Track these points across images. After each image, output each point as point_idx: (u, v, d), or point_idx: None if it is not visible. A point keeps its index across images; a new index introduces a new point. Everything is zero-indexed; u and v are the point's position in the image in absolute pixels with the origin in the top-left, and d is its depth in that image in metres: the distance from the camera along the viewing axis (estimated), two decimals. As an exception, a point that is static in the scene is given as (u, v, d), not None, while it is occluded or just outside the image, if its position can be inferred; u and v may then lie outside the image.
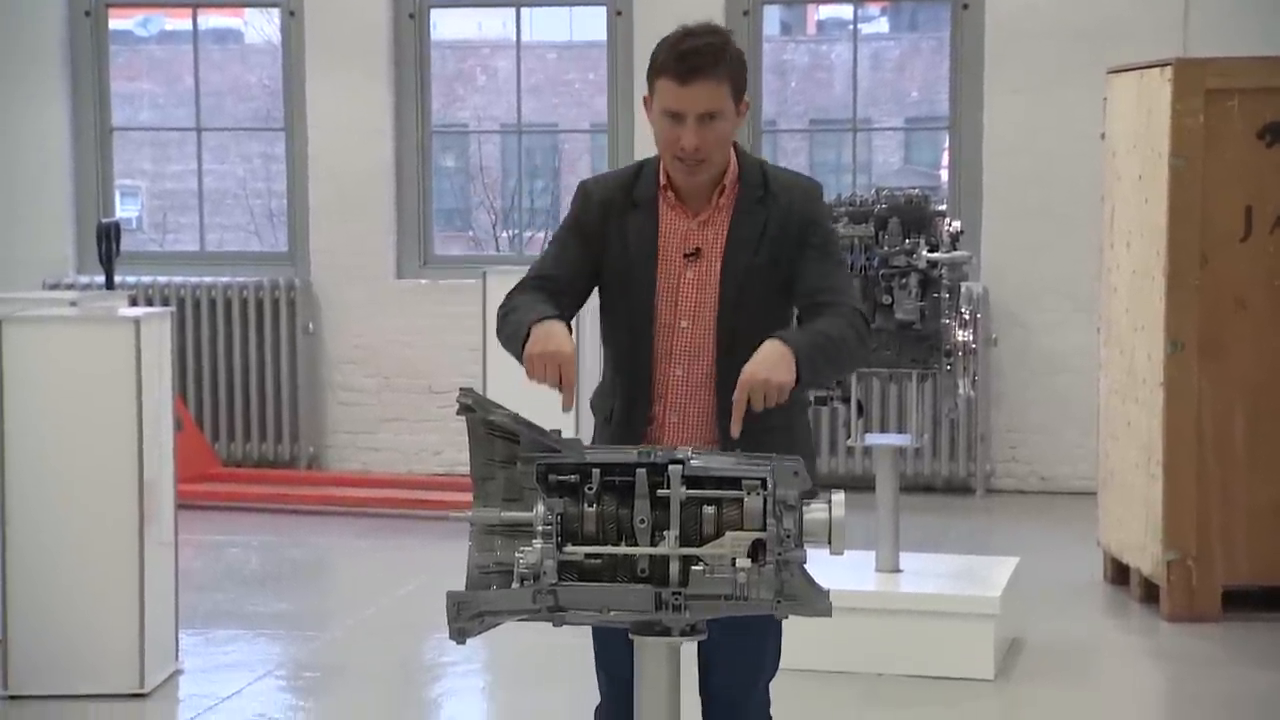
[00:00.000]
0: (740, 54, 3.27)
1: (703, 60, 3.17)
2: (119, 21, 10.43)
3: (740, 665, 3.35)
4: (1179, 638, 6.17)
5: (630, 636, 2.82)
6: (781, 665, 5.59)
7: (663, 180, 3.32)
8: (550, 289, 3.30)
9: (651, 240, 3.29)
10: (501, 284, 7.66)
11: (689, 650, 3.16)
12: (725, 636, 3.17)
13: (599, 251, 3.32)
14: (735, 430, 3.02)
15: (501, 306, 3.30)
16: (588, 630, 3.09)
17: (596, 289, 3.38)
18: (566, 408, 3.01)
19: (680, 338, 3.29)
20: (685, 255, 3.29)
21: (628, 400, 3.32)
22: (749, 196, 3.30)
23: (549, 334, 3.09)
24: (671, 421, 3.30)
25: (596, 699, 3.48)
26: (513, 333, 3.17)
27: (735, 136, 3.31)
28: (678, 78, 3.18)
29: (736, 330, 3.25)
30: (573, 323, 3.23)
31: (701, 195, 3.30)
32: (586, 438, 3.17)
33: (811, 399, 5.73)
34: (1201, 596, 6.29)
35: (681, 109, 3.19)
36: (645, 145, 8.58)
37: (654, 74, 3.24)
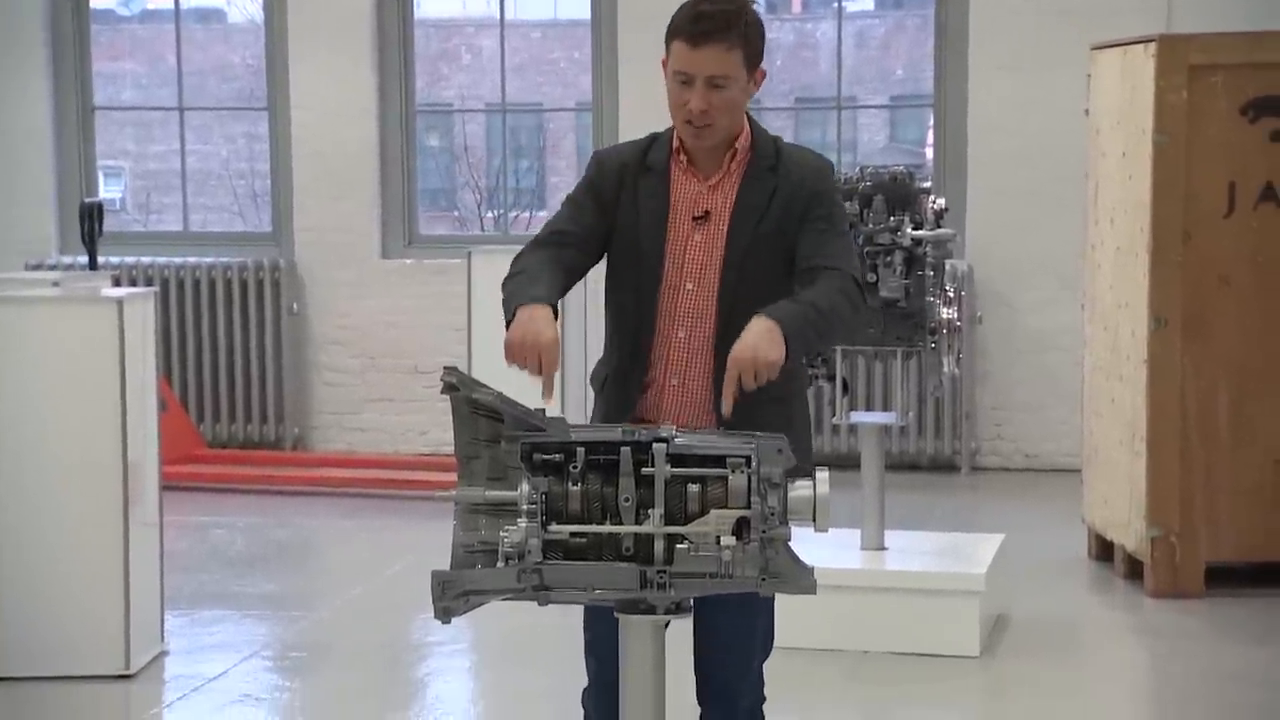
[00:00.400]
0: (758, 22, 3.27)
1: (715, 25, 3.19)
2: (101, 1, 10.37)
3: (733, 647, 3.35)
4: (1162, 614, 6.20)
5: (615, 615, 2.83)
6: (768, 643, 5.57)
7: (675, 144, 3.33)
8: (563, 243, 3.31)
9: (664, 202, 3.31)
10: (487, 263, 7.78)
11: (685, 631, 3.18)
12: (719, 618, 3.18)
13: (612, 214, 3.33)
14: (727, 409, 3.02)
15: (513, 264, 3.29)
16: (572, 610, 3.09)
17: (606, 258, 3.38)
18: (546, 395, 3.00)
19: (685, 299, 3.30)
20: (694, 218, 3.31)
21: (628, 361, 3.32)
22: (760, 165, 3.32)
23: (531, 319, 3.07)
24: (672, 384, 3.31)
25: (581, 678, 3.48)
26: (506, 301, 3.17)
27: (747, 105, 3.32)
28: (689, 40, 3.20)
29: (738, 294, 3.26)
30: (559, 304, 3.21)
31: (713, 159, 3.32)
32: (570, 418, 3.16)
33: (810, 375, 5.76)
34: (1185, 573, 6.31)
35: (691, 71, 3.20)
36: (630, 124, 8.57)
37: (670, 36, 3.26)
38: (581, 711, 3.49)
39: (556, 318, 3.10)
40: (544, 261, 3.26)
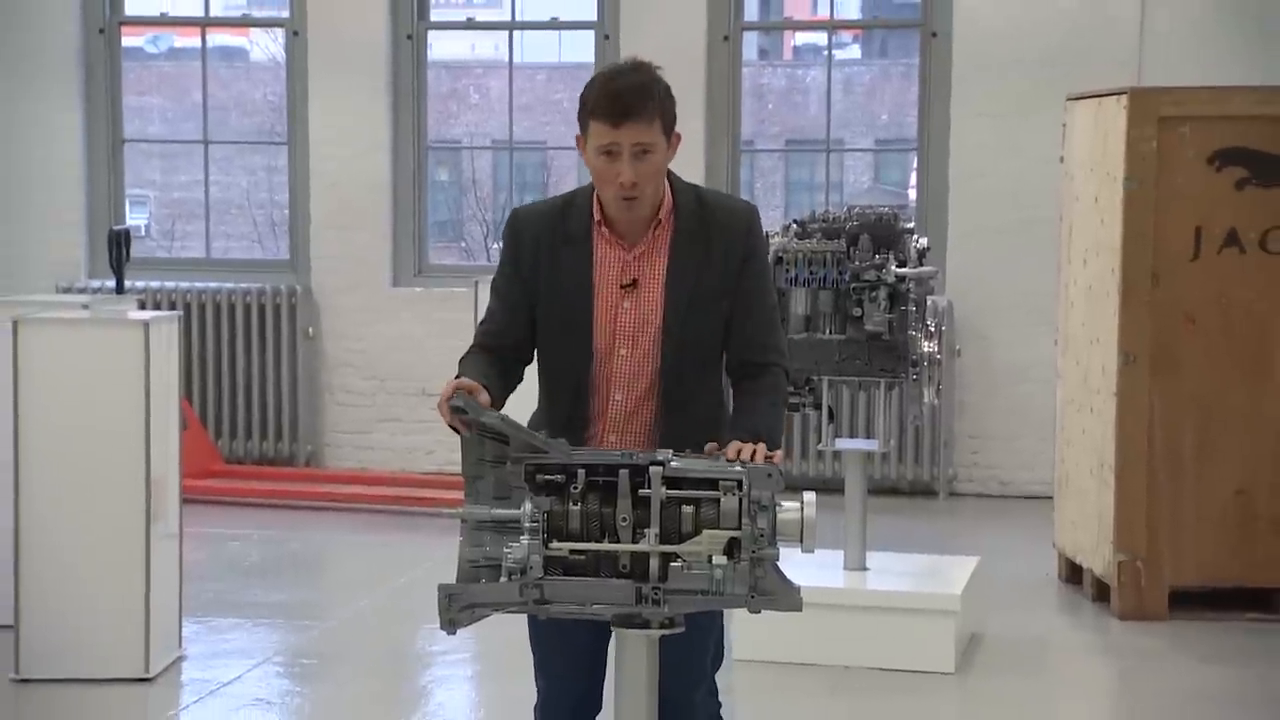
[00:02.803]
0: (667, 89, 3.15)
1: (631, 102, 3.07)
2: (131, 39, 10.42)
3: (684, 667, 3.29)
4: (1128, 635, 6.20)
5: (612, 628, 2.84)
6: (753, 657, 5.61)
7: (597, 215, 3.22)
8: (495, 349, 3.22)
9: (586, 274, 3.20)
10: (492, 293, 7.74)
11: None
12: (669, 638, 3.15)
13: (533, 286, 3.23)
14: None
15: (459, 366, 3.22)
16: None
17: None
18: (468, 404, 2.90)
19: (620, 364, 3.21)
20: (622, 286, 3.20)
21: (564, 420, 3.20)
22: (686, 227, 3.21)
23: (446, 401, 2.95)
24: (610, 440, 3.21)
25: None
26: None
27: (667, 169, 3.21)
28: (609, 120, 3.07)
29: (679, 356, 3.19)
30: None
31: (637, 229, 3.21)
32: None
33: (797, 403, 5.77)
34: (1150, 596, 6.32)
35: (616, 141, 3.09)
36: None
37: (585, 115, 3.12)
38: None
39: (495, 402, 2.99)
40: (480, 367, 3.14)
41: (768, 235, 5.81)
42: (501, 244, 3.34)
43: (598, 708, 3.38)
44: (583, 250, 3.21)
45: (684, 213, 3.23)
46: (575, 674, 3.33)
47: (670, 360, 3.19)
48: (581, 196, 3.27)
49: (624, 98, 3.08)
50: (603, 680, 3.36)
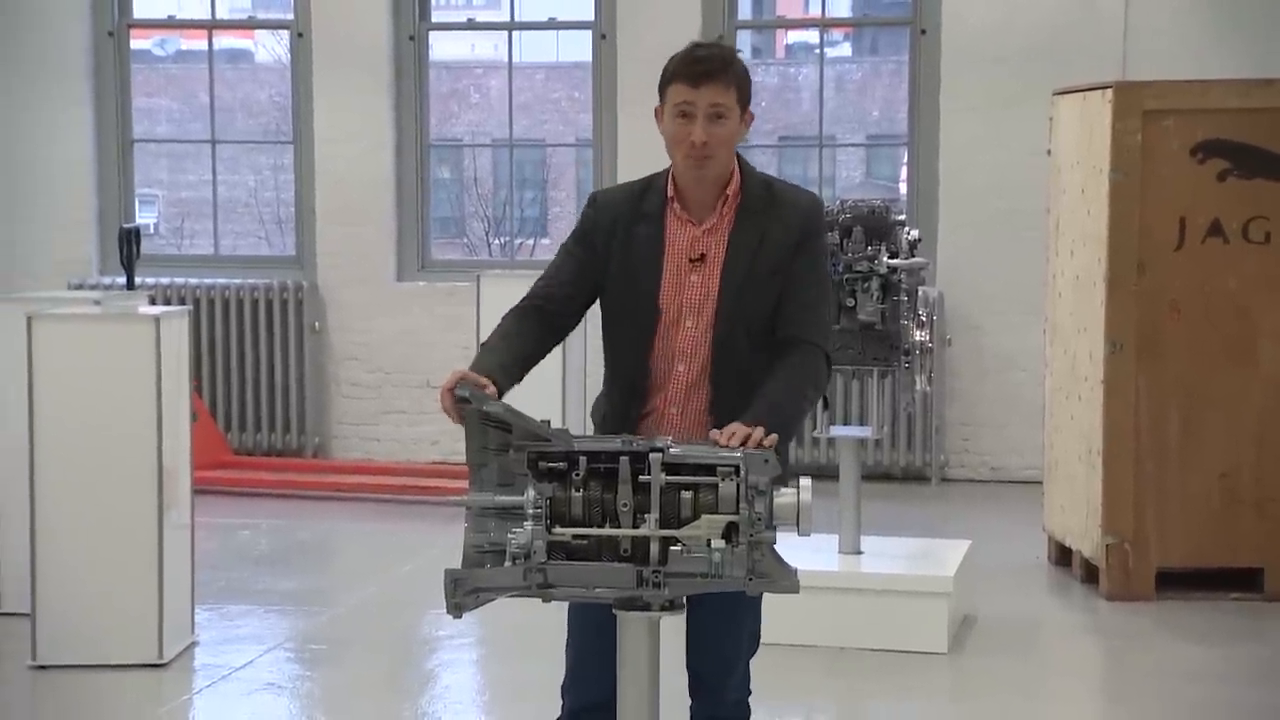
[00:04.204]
0: (746, 68, 3.28)
1: (713, 65, 3.20)
2: (139, 41, 10.40)
3: (721, 647, 3.33)
4: (1116, 615, 6.20)
5: (613, 611, 2.84)
6: (751, 639, 5.56)
7: (670, 192, 3.30)
8: (543, 309, 3.28)
9: (658, 247, 3.27)
10: (494, 286, 7.79)
11: (681, 632, 3.18)
12: (708, 621, 3.18)
13: (604, 261, 3.29)
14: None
15: (500, 321, 3.28)
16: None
17: (599, 300, 3.33)
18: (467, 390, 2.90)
19: (684, 335, 3.26)
20: (690, 260, 3.27)
21: (628, 393, 3.28)
22: (751, 206, 3.28)
23: (447, 392, 2.95)
24: (672, 413, 3.27)
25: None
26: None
27: (738, 144, 3.30)
28: (690, 80, 3.19)
29: (732, 331, 3.24)
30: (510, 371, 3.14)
31: (706, 205, 3.27)
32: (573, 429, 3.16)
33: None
34: (1137, 578, 6.32)
35: (692, 102, 3.18)
36: (628, 159, 8.60)
37: (666, 82, 3.23)
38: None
39: (499, 390, 2.99)
40: (512, 334, 3.20)
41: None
42: (579, 221, 3.39)
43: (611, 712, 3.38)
44: (655, 225, 3.29)
45: (750, 194, 3.30)
46: (596, 663, 3.33)
47: (723, 334, 3.24)
48: (659, 178, 3.35)
49: (705, 63, 3.21)
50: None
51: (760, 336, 3.24)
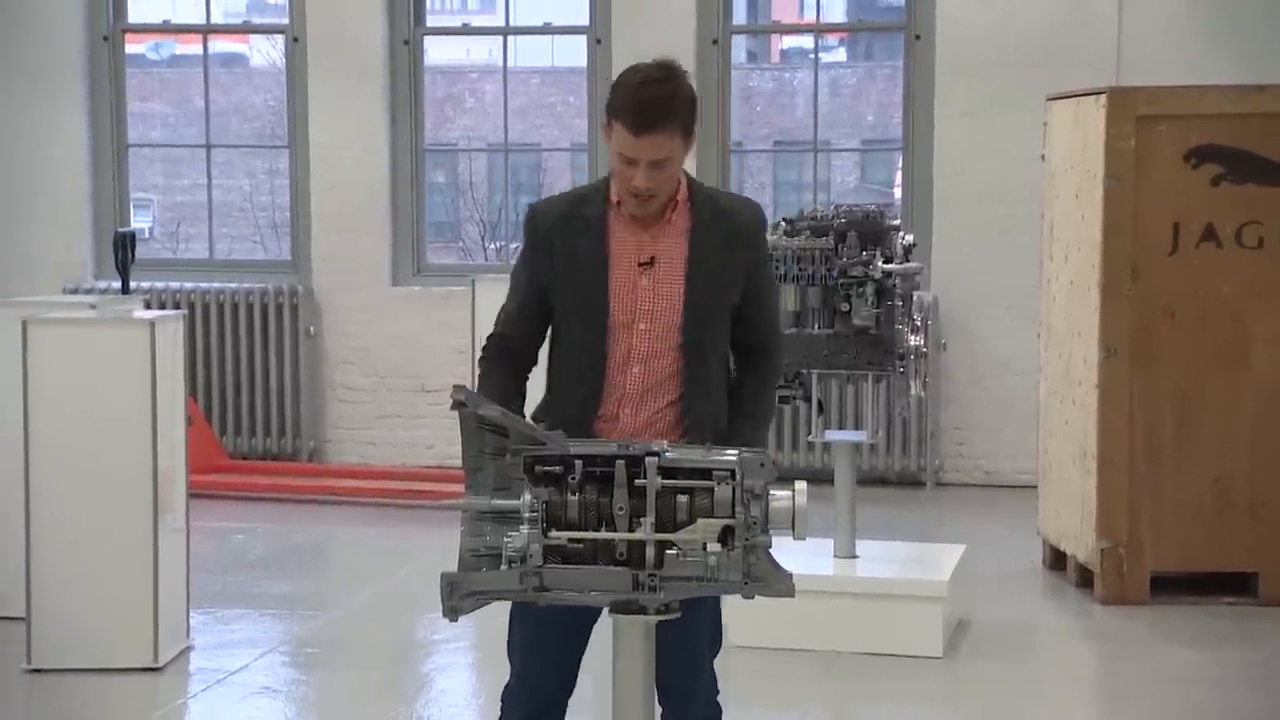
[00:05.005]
0: (692, 96, 3.20)
1: (656, 115, 3.12)
2: (134, 46, 10.40)
3: (684, 651, 3.30)
4: (1111, 619, 6.21)
5: (610, 615, 2.84)
6: (746, 643, 5.62)
7: (614, 198, 3.28)
8: (513, 351, 3.33)
9: (601, 251, 3.25)
10: (489, 290, 7.79)
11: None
12: (667, 626, 3.16)
13: (549, 271, 3.28)
14: None
15: (479, 360, 3.33)
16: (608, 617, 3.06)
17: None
18: None
19: (640, 338, 3.26)
20: (640, 263, 3.26)
21: (579, 398, 3.27)
22: (704, 216, 3.28)
23: None
24: (625, 415, 3.27)
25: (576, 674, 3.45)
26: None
27: (682, 165, 3.27)
28: (632, 129, 3.13)
29: (702, 334, 3.27)
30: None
31: (653, 213, 3.27)
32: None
33: (788, 396, 5.79)
34: (1131, 582, 6.33)
35: (635, 156, 3.15)
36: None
37: (611, 114, 3.18)
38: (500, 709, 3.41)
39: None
40: (494, 388, 3.22)
41: (758, 233, 5.83)
42: (523, 237, 3.38)
43: (563, 703, 3.38)
44: (598, 230, 3.27)
45: (700, 203, 3.31)
46: (549, 668, 3.33)
47: (692, 337, 3.26)
48: (596, 185, 3.35)
49: (647, 110, 3.13)
50: (574, 680, 3.37)
51: (721, 339, 3.30)
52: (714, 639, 3.43)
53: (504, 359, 3.33)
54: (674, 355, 3.26)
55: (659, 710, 3.33)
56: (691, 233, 3.28)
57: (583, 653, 3.36)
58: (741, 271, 3.29)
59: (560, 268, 3.28)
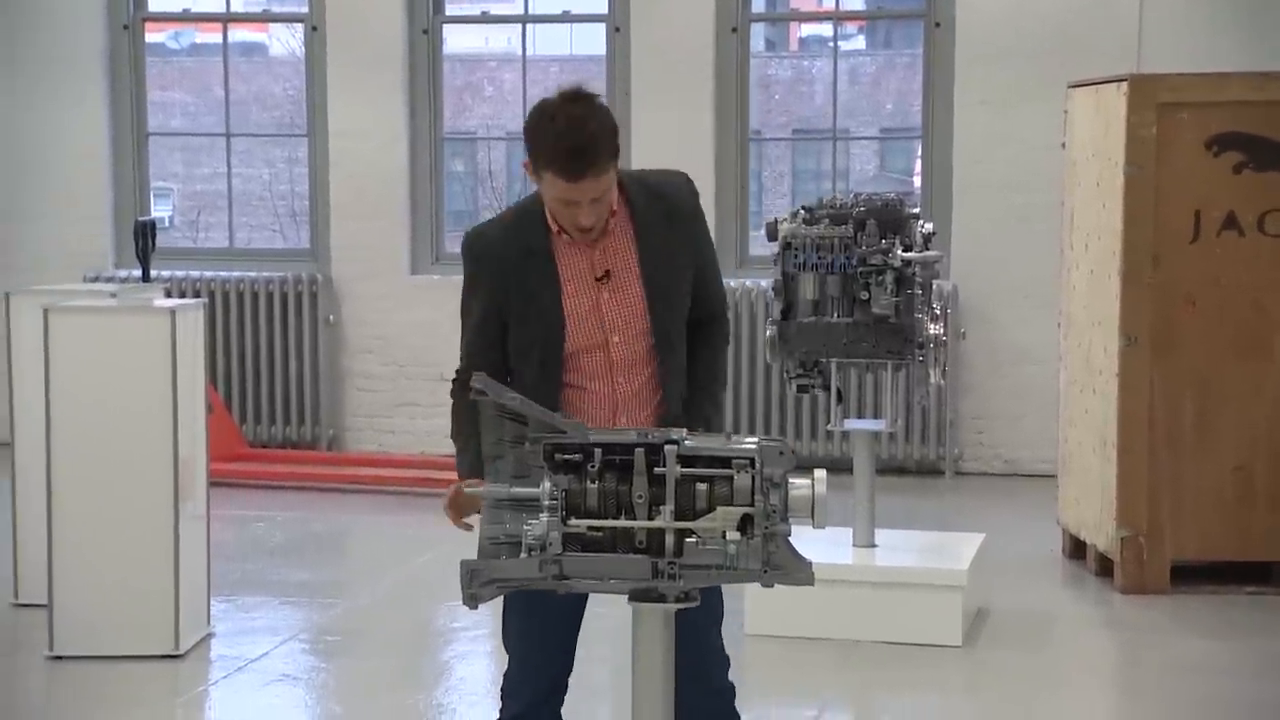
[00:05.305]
0: (613, 125, 3.13)
1: (586, 160, 3.05)
2: (154, 35, 10.42)
3: (694, 627, 3.24)
4: (1131, 609, 6.20)
5: (629, 603, 2.85)
6: (765, 631, 5.63)
7: (554, 227, 3.23)
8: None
9: (554, 284, 3.23)
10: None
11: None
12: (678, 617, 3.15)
13: (504, 305, 3.25)
14: None
15: (451, 393, 3.30)
16: (595, 599, 3.07)
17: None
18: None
19: (615, 350, 3.26)
20: (597, 279, 3.24)
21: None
22: (645, 216, 3.26)
23: (453, 503, 3.17)
24: (621, 423, 3.26)
25: (596, 662, 3.46)
26: (458, 449, 3.27)
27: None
28: (565, 176, 3.07)
29: (669, 327, 3.28)
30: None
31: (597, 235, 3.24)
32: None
33: (807, 385, 5.80)
34: (1152, 571, 6.32)
35: (575, 199, 3.11)
36: (640, 153, 8.60)
37: (539, 163, 3.09)
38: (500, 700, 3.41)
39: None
40: (468, 421, 3.16)
41: (776, 221, 5.82)
42: (465, 266, 3.33)
43: (563, 684, 3.39)
44: (545, 259, 3.24)
45: (637, 201, 3.27)
46: (547, 653, 3.33)
47: (661, 337, 3.28)
48: (532, 208, 3.27)
49: (577, 157, 3.06)
50: (571, 662, 3.38)
51: (682, 321, 3.32)
52: (717, 612, 3.40)
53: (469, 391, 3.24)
54: (648, 355, 3.28)
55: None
56: (635, 228, 3.25)
57: (577, 634, 3.38)
58: (689, 249, 3.31)
59: (516, 301, 3.24)
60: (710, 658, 3.38)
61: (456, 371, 3.32)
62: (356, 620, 6.09)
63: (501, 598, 3.19)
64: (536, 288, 3.24)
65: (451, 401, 3.32)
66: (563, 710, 3.41)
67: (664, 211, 3.29)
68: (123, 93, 9.50)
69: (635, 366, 3.28)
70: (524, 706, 3.35)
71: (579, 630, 3.38)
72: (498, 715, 3.39)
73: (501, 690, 3.41)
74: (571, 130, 3.06)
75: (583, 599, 3.25)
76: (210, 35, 10.90)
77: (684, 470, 2.76)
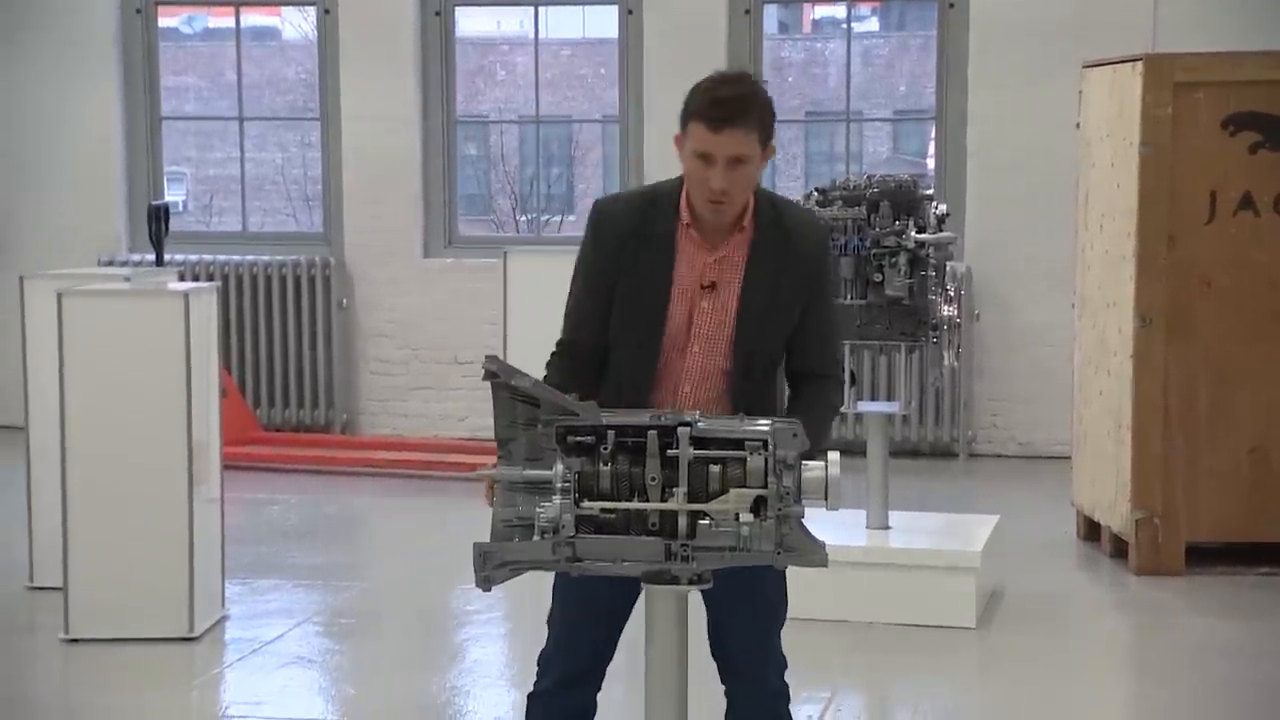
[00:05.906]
0: (769, 101, 3.16)
1: (734, 109, 3.08)
2: (167, 19, 10.40)
3: (747, 625, 3.28)
4: (1145, 590, 6.19)
5: (642, 585, 2.84)
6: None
7: (685, 218, 3.22)
8: (576, 355, 3.26)
9: (667, 274, 3.21)
10: (520, 263, 7.80)
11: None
12: (727, 599, 3.14)
13: (614, 280, 3.24)
14: None
15: (548, 364, 3.26)
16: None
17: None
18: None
19: (692, 360, 3.24)
20: (702, 286, 3.22)
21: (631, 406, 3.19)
22: (765, 237, 3.23)
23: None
24: None
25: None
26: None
27: (759, 178, 3.22)
28: (709, 124, 3.08)
29: (751, 357, 3.22)
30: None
31: (721, 231, 3.22)
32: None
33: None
34: (1167, 552, 6.30)
35: (712, 152, 3.10)
36: (654, 136, 8.58)
37: (687, 116, 3.13)
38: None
39: None
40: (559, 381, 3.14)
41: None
42: (585, 233, 3.32)
43: (601, 671, 3.37)
44: (665, 250, 3.22)
45: (763, 220, 3.24)
46: (586, 641, 3.33)
47: (740, 362, 3.22)
48: (667, 192, 3.26)
49: (725, 106, 3.09)
50: (610, 654, 3.35)
51: (772, 366, 3.25)
52: (776, 612, 3.38)
53: (569, 361, 3.26)
54: (723, 376, 3.24)
55: (722, 687, 3.35)
56: (750, 253, 3.22)
57: (622, 627, 3.34)
58: (800, 291, 3.22)
59: (625, 281, 3.23)
60: (769, 660, 3.37)
61: (558, 343, 3.29)
62: (370, 603, 6.10)
63: (552, 581, 3.20)
64: (649, 271, 3.21)
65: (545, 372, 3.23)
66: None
67: (785, 245, 3.23)
68: (136, 77, 9.51)
69: (706, 380, 3.24)
70: (553, 684, 3.36)
71: (625, 623, 3.32)
72: (533, 684, 3.40)
73: (537, 661, 3.42)
74: (725, 82, 3.14)
75: (633, 595, 3.19)
76: (223, 19, 10.89)
77: (697, 452, 2.76)
